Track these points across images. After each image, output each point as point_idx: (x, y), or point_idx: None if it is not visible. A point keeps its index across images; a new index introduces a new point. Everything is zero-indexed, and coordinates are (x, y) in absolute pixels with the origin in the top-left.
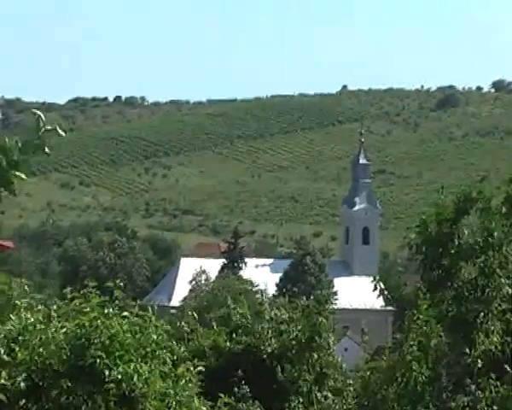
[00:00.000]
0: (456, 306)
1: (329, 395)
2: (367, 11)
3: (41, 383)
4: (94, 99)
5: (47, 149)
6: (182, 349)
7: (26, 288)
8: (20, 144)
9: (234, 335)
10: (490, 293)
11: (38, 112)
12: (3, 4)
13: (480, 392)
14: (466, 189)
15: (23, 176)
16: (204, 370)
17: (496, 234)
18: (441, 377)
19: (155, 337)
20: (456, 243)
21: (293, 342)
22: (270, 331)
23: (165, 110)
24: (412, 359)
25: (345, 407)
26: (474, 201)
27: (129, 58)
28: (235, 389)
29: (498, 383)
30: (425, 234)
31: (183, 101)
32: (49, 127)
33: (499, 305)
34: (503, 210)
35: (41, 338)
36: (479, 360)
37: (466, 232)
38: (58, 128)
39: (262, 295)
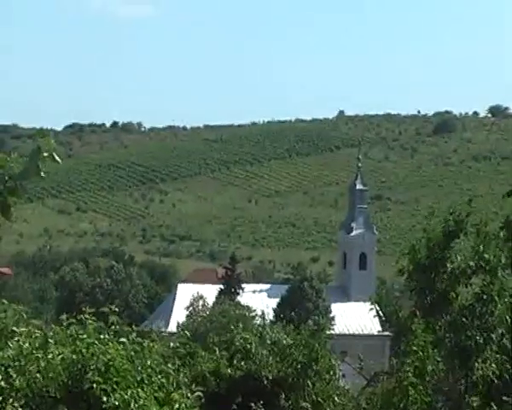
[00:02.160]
0: (453, 332)
1: None
2: (363, 36)
3: None
4: (91, 125)
5: (43, 174)
6: (181, 375)
7: (23, 315)
8: (17, 171)
9: (234, 360)
10: (488, 320)
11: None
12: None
13: None
14: (455, 212)
15: (20, 200)
16: (204, 395)
17: (492, 259)
18: (438, 404)
19: (150, 363)
20: (449, 268)
21: (290, 370)
22: (271, 358)
23: (162, 136)
24: (409, 384)
25: None
26: (464, 223)
27: (125, 84)
28: (253, 405)
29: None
30: (416, 260)
31: (180, 126)
32: (46, 154)
33: (498, 332)
34: (501, 235)
35: (38, 365)
36: (476, 387)
37: (458, 257)
38: (55, 155)
39: (263, 318)
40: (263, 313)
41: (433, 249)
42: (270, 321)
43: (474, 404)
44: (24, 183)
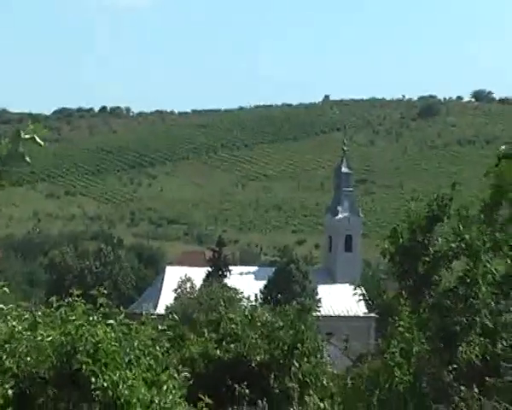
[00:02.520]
0: (437, 315)
1: (316, 400)
2: (348, 23)
3: (28, 391)
4: (79, 110)
5: (27, 159)
6: (169, 356)
7: (6, 290)
8: (4, 153)
9: (223, 342)
10: (472, 303)
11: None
12: None
13: (462, 403)
14: (439, 196)
15: (7, 184)
16: (192, 376)
17: (475, 242)
18: (423, 384)
19: (138, 344)
20: (432, 251)
21: (277, 352)
22: (259, 340)
23: (151, 120)
24: (395, 365)
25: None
26: (448, 207)
27: (113, 69)
28: (237, 387)
29: (480, 397)
30: (398, 243)
31: (168, 111)
32: (27, 136)
33: (481, 314)
34: (481, 218)
35: (27, 346)
36: (460, 372)
37: (440, 240)
38: (36, 137)
39: (256, 300)
40: (256, 297)
41: (416, 233)
42: (259, 303)
43: (462, 394)
44: (9, 168)
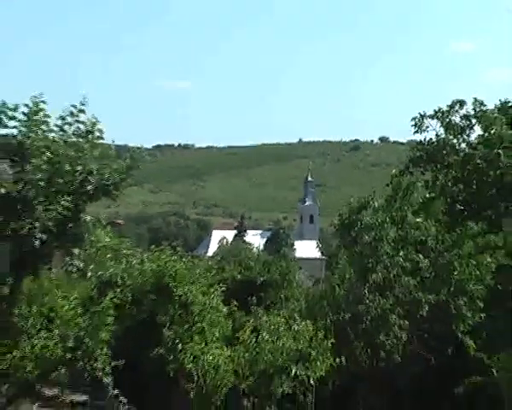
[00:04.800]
0: (360, 257)
1: (294, 302)
2: (295, 80)
3: (138, 297)
4: (166, 145)
5: (139, 165)
6: (215, 277)
7: (128, 243)
8: (125, 168)
9: (243, 270)
10: (379, 250)
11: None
12: (99, 65)
13: (371, 303)
14: (363, 198)
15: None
16: (226, 290)
17: (382, 219)
18: (350, 295)
19: (198, 271)
20: (360, 225)
21: (276, 276)
22: (262, 269)
23: (204, 151)
24: (335, 285)
25: (299, 310)
26: (368, 202)
27: (183, 123)
28: (248, 298)
29: (380, 298)
30: (341, 220)
31: (212, 145)
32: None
33: (384, 258)
34: (386, 205)
35: (138, 271)
36: (371, 286)
37: (365, 219)
38: (143, 154)
39: (263, 250)
40: (260, 247)
41: (351, 214)
42: (262, 251)
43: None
44: (131, 174)
